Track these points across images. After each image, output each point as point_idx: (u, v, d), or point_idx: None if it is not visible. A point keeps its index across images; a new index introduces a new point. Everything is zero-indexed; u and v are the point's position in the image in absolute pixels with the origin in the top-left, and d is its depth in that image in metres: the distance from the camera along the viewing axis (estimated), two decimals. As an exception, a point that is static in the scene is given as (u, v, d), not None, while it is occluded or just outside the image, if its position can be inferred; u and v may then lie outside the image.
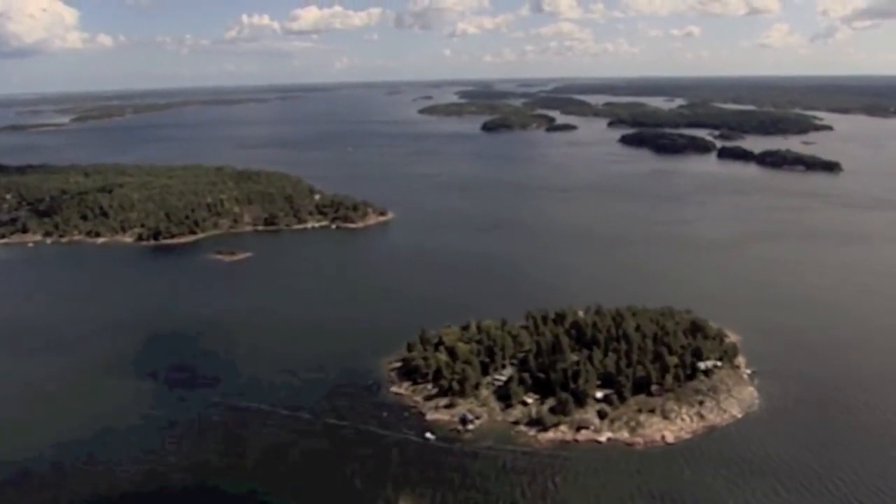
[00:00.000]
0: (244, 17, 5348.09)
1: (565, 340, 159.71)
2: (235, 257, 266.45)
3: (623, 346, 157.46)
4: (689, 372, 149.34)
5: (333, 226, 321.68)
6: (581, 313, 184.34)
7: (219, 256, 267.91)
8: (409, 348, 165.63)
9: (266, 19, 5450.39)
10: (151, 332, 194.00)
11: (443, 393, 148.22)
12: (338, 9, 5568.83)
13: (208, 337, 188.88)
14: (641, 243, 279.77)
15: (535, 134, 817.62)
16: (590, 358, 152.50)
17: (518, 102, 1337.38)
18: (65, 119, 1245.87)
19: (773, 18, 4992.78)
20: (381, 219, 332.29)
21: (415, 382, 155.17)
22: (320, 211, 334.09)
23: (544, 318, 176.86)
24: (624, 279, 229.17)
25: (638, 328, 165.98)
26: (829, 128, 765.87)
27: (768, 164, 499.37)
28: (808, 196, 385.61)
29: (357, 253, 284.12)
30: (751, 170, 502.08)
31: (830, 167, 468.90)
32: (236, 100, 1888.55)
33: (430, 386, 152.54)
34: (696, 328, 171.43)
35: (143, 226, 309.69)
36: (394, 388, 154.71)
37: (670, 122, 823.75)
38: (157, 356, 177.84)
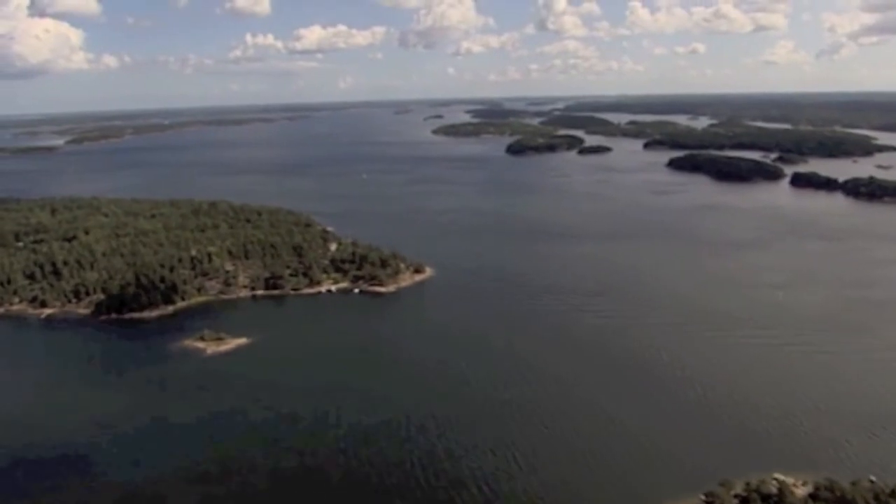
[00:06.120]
0: (248, 37, 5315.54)
1: None
2: (222, 346, 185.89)
3: None
4: None
5: (356, 289, 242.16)
6: (805, 493, 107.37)
7: (199, 345, 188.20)
8: None
9: (270, 39, 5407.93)
10: None
11: None
12: (341, 28, 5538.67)
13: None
14: (757, 324, 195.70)
15: (565, 157, 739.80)
16: None
17: (534, 121, 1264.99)
18: (60, 141, 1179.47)
19: (779, 35, 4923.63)
20: (418, 277, 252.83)
21: None
22: (337, 267, 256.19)
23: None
24: (787, 398, 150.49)
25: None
26: (893, 148, 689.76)
27: (863, 195, 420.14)
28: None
29: (395, 341, 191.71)
30: (839, 202, 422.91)
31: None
32: (242, 119, 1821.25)
33: None
34: None
35: (104, 290, 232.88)
36: None
37: (712, 143, 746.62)
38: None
